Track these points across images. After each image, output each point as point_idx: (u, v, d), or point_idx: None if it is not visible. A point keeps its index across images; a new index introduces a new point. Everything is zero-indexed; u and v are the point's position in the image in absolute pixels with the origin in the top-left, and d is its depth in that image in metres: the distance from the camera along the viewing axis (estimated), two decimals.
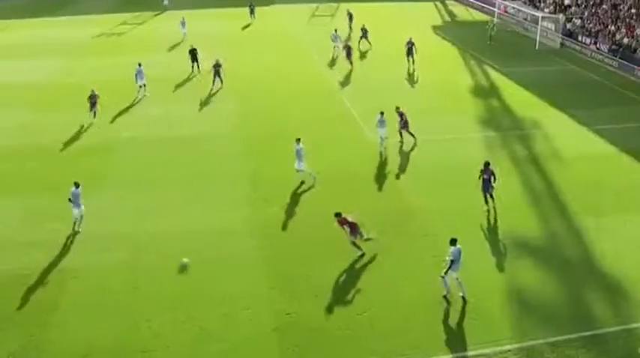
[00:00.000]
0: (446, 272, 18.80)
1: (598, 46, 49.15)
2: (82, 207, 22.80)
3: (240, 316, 18.47)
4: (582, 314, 18.63)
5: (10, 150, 30.20)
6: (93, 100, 33.26)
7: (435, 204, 24.72)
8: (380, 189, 26.09)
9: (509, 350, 17.16)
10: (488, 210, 24.13)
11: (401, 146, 30.03)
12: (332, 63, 44.93)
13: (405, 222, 23.38)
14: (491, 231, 22.85)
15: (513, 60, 47.09)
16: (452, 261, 18.72)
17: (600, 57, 47.51)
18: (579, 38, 51.84)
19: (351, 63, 43.23)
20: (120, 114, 34.82)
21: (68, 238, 22.33)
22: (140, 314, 18.50)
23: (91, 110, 33.24)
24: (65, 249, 21.78)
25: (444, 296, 19.10)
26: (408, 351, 17.11)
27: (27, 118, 34.34)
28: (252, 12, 60.79)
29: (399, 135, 30.18)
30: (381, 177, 27.12)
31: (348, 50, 43.44)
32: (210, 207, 24.40)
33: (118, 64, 44.91)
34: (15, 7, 70.40)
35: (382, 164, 28.38)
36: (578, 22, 54.18)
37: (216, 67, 38.09)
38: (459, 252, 18.72)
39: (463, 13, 68.14)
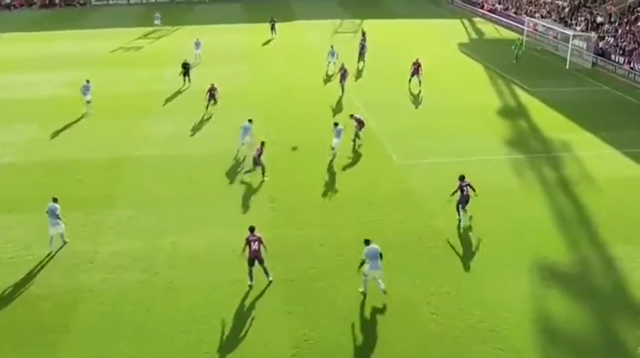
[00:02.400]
0: (358, 268, 20.25)
1: (632, 65, 48.97)
2: (61, 224, 22.82)
3: (256, 341, 18.49)
4: (613, 346, 18.44)
5: (21, 167, 30.66)
6: (212, 93, 37.20)
7: (456, 226, 24.72)
8: (404, 211, 26.08)
9: None
10: (459, 222, 24.80)
11: (418, 167, 30.13)
12: (328, 80, 45.11)
13: (430, 246, 23.37)
14: (518, 256, 22.70)
15: (543, 79, 47.02)
16: (363, 261, 19.97)
17: (634, 77, 47.33)
18: (612, 57, 51.69)
19: (342, 88, 41.10)
20: (132, 130, 35.27)
21: (82, 256, 22.55)
22: (152, 337, 18.60)
23: (208, 102, 37.26)
24: (79, 268, 21.99)
25: (362, 292, 20.37)
26: None
27: (37, 133, 34.86)
28: (272, 28, 61.44)
29: (354, 141, 32.36)
30: (404, 199, 27.12)
31: (343, 74, 41.31)
32: (228, 226, 24.55)
33: (133, 77, 45.70)
34: (29, 19, 71.83)
35: (406, 186, 28.40)
36: (611, 40, 54.04)
37: (212, 90, 38.20)
38: (374, 251, 19.83)
39: (491, 30, 68.25)
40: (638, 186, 28.82)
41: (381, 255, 20.01)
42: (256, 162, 28.87)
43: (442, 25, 70.18)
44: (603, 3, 61.01)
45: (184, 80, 43.83)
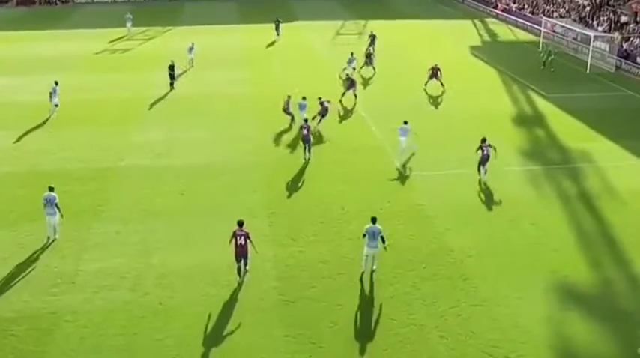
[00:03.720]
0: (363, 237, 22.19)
1: None
2: (57, 216, 24.11)
3: None
4: None
5: (2, 177, 30.73)
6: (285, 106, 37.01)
7: (472, 244, 24.74)
8: (414, 227, 26.12)
9: None
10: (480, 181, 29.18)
11: (421, 178, 30.21)
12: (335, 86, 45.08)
13: (440, 264, 23.41)
14: (534, 276, 22.72)
15: (561, 85, 47.22)
16: (364, 235, 21.99)
17: None
18: (638, 60, 51.87)
19: (355, 95, 41.41)
20: (119, 138, 35.40)
21: (62, 275, 22.58)
22: None
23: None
24: (59, 288, 21.93)
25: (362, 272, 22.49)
26: None
27: (15, 141, 34.96)
28: (277, 28, 62.03)
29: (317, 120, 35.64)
30: (414, 214, 27.16)
31: (351, 82, 41.55)
32: (221, 242, 24.48)
33: (119, 81, 45.96)
34: (5, 18, 72.19)
35: (414, 200, 28.47)
36: (637, 41, 54.22)
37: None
38: (372, 230, 21.73)
39: (505, 32, 68.58)
40: None
41: (382, 238, 21.81)
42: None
43: (452, 26, 70.54)
44: (628, 1, 61.24)
45: (170, 85, 44.17)
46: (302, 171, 31.23)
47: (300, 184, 29.86)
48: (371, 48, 52.12)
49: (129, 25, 63.98)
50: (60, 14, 76.39)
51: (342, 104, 40.68)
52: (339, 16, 74.46)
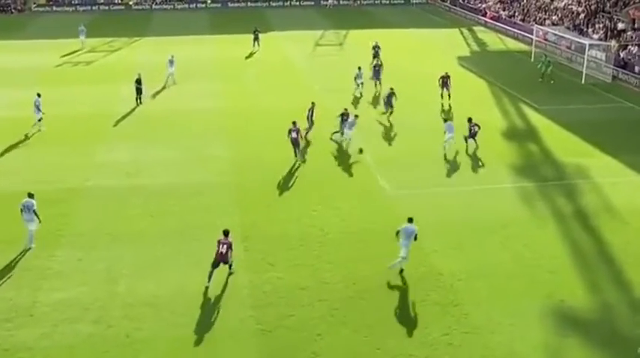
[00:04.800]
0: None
1: None
2: (35, 223, 25.20)
3: None
4: None
5: None
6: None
7: (462, 267, 24.79)
8: (398, 249, 26.07)
9: None
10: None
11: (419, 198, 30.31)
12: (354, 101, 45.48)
13: (429, 289, 23.42)
14: (529, 301, 22.78)
15: (555, 96, 47.69)
16: (397, 232, 24.01)
17: None
18: (637, 69, 52.46)
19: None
20: (83, 157, 35.23)
21: (18, 307, 22.29)
22: None
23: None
24: (13, 322, 21.57)
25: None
26: None
27: None
28: (256, 39, 62.49)
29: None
30: None
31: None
32: (193, 268, 24.42)
33: (83, 96, 45.87)
34: None
35: (400, 220, 28.42)
36: (635, 49, 54.82)
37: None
38: (406, 230, 23.69)
39: (494, 41, 69.32)
40: None
41: (415, 236, 23.65)
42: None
43: (439, 35, 71.27)
44: (625, 7, 61.99)
45: (137, 99, 44.16)
46: (279, 191, 31.21)
47: (277, 205, 29.81)
48: (376, 60, 52.13)
49: (82, 37, 63.69)
50: (15, 23, 76.28)
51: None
52: (318, 26, 75.01)
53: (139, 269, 24.59)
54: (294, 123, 34.25)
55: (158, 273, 24.32)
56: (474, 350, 20.23)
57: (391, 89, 42.03)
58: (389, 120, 41.03)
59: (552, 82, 51.04)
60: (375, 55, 53.57)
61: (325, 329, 21.18)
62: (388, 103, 41.77)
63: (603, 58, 54.51)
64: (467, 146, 35.86)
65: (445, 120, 37.55)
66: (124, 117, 41.80)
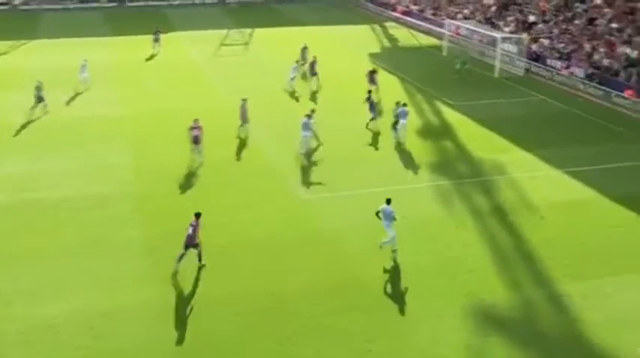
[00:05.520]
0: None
1: (572, 70, 51.43)
2: None
3: None
4: None
5: None
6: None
7: (382, 269, 25.12)
8: (316, 256, 26.19)
9: None
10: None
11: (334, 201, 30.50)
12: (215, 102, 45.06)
13: (350, 294, 23.55)
14: (451, 300, 23.22)
15: (469, 92, 48.81)
16: (378, 213, 25.84)
17: (575, 84, 49.76)
18: (548, 62, 54.14)
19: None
20: None
21: None
22: None
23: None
24: None
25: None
26: None
27: None
28: (156, 40, 61.77)
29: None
30: (315, 242, 27.27)
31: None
32: (95, 286, 23.94)
33: None
34: None
35: (316, 227, 28.61)
36: (547, 42, 56.57)
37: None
38: (384, 211, 25.53)
39: (406, 37, 70.40)
40: (586, 210, 30.20)
41: (394, 217, 25.38)
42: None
43: (349, 32, 71.95)
44: None
45: (38, 108, 42.77)
46: (185, 199, 30.88)
47: (184, 214, 29.30)
48: (309, 56, 52.35)
49: None
50: None
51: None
52: (222, 25, 74.57)
53: (34, 290, 23.89)
54: (195, 120, 34.33)
55: (57, 293, 23.70)
56: (395, 354, 20.42)
57: (314, 57, 48.90)
58: (284, 119, 41.08)
59: (470, 79, 52.12)
60: (304, 57, 53.35)
61: (244, 342, 21.04)
62: (312, 72, 48.14)
63: (515, 51, 56.14)
64: (395, 137, 37.72)
65: (398, 105, 38.44)
66: (18, 128, 40.36)
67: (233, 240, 27.20)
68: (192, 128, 34.37)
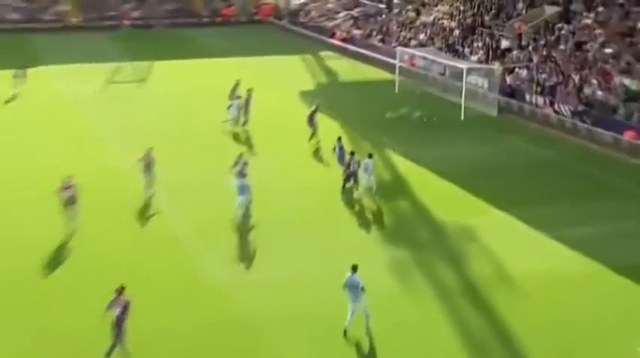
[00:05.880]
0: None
1: (556, 107, 52.40)
2: None
3: None
4: None
5: None
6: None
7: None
8: (236, 347, 26.32)
9: None
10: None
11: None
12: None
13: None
14: None
15: (429, 138, 49.84)
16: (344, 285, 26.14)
17: (561, 124, 50.93)
18: (527, 98, 55.20)
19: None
20: None
21: None
22: None
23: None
24: None
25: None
26: None
27: None
28: (21, 76, 61.20)
29: None
30: (234, 331, 27.33)
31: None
32: None
33: None
34: None
35: (241, 319, 28.71)
36: (524, 73, 57.47)
37: None
38: (352, 282, 25.97)
39: (347, 69, 71.43)
40: (573, 284, 30.65)
41: (362, 288, 25.85)
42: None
43: (276, 63, 72.95)
44: (508, 19, 65.08)
45: None
46: (56, 286, 30.38)
47: (55, 310, 28.65)
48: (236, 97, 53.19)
49: None
50: None
51: None
52: (109, 58, 74.45)
53: None
54: (67, 178, 34.03)
55: None
56: None
57: (248, 91, 51.36)
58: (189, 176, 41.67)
59: (434, 118, 53.47)
60: (234, 91, 54.24)
61: None
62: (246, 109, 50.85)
63: (485, 84, 57.08)
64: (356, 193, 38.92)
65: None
66: None
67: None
68: (63, 188, 34.11)
